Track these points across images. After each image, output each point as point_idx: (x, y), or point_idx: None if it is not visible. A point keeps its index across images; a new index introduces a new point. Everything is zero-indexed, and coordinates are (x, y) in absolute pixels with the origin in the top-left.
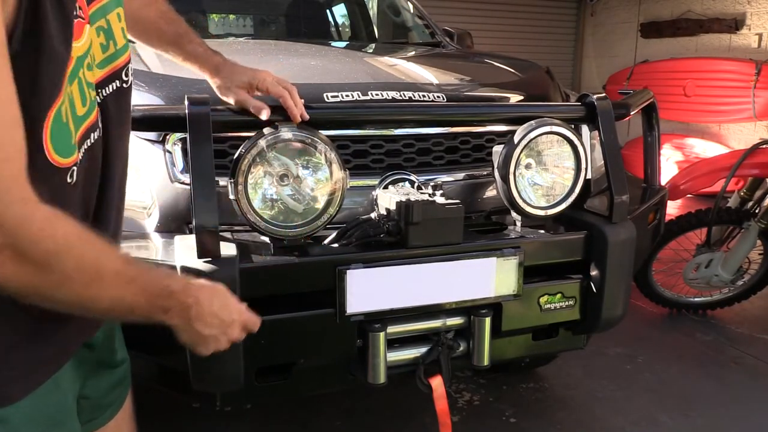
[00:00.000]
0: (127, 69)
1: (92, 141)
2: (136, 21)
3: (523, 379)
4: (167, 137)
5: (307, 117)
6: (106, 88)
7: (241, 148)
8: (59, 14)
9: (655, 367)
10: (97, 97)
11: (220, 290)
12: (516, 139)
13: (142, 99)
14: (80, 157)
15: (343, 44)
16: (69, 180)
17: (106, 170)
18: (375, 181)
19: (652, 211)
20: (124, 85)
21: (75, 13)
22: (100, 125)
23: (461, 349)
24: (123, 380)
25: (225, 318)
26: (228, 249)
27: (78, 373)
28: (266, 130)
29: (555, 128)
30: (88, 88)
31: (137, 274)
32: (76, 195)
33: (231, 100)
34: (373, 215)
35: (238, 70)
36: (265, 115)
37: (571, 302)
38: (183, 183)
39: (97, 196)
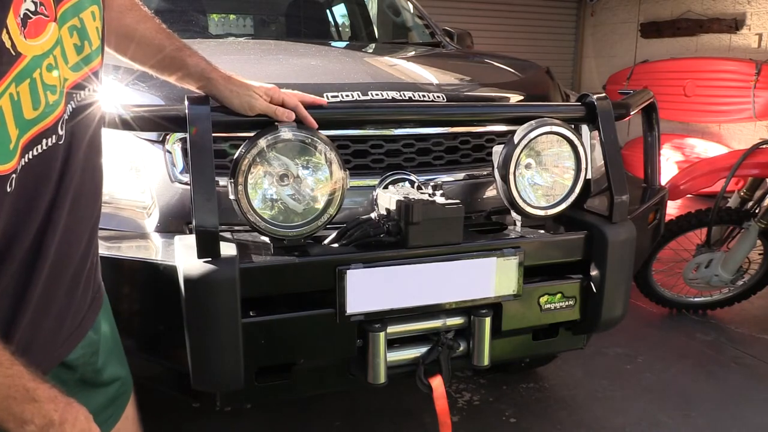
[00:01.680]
0: (101, 72)
1: (45, 147)
2: (132, 38)
3: (523, 379)
4: (167, 137)
5: (316, 126)
6: (81, 93)
7: (241, 148)
8: None
9: (655, 367)
10: (71, 103)
11: (85, 413)
12: (516, 139)
13: (142, 99)
14: (23, 163)
15: (343, 44)
16: (9, 189)
17: (63, 180)
18: (375, 181)
19: (652, 211)
20: (98, 89)
21: (34, 9)
22: (61, 132)
23: (461, 349)
24: (116, 399)
25: None
26: (228, 249)
27: None
28: (266, 130)
29: (555, 128)
30: (46, 91)
31: None
32: (8, 203)
33: (247, 109)
34: (373, 215)
35: (246, 82)
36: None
37: (571, 302)
38: (183, 183)
39: (46, 209)
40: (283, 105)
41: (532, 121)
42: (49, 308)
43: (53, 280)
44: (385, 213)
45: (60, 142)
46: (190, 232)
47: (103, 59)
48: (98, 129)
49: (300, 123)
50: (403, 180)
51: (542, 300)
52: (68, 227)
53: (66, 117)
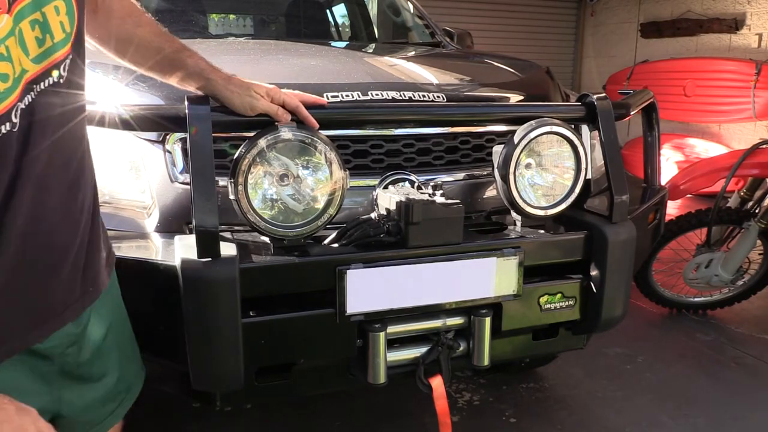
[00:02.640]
0: (66, 63)
1: None
2: (131, 41)
3: (523, 379)
4: (167, 137)
5: (317, 126)
6: (41, 84)
7: (241, 148)
8: None
9: (655, 367)
10: (31, 93)
11: (33, 414)
12: (516, 139)
13: (142, 99)
14: None
15: (343, 44)
16: None
17: (20, 169)
18: (375, 181)
19: (652, 211)
20: (61, 80)
21: None
22: (15, 120)
23: (461, 349)
24: (116, 396)
25: None
26: (228, 249)
27: (37, 387)
28: (266, 130)
29: (555, 128)
30: None
31: None
32: None
33: (248, 109)
34: (373, 215)
35: (247, 82)
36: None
37: (571, 302)
38: (183, 183)
39: (3, 194)
40: (283, 105)
41: (532, 121)
42: (13, 294)
43: (19, 267)
44: (385, 213)
45: (14, 130)
46: (190, 232)
47: (71, 51)
48: (70, 120)
49: (300, 123)
50: (403, 180)
51: (542, 300)
52: (35, 217)
53: (23, 106)
